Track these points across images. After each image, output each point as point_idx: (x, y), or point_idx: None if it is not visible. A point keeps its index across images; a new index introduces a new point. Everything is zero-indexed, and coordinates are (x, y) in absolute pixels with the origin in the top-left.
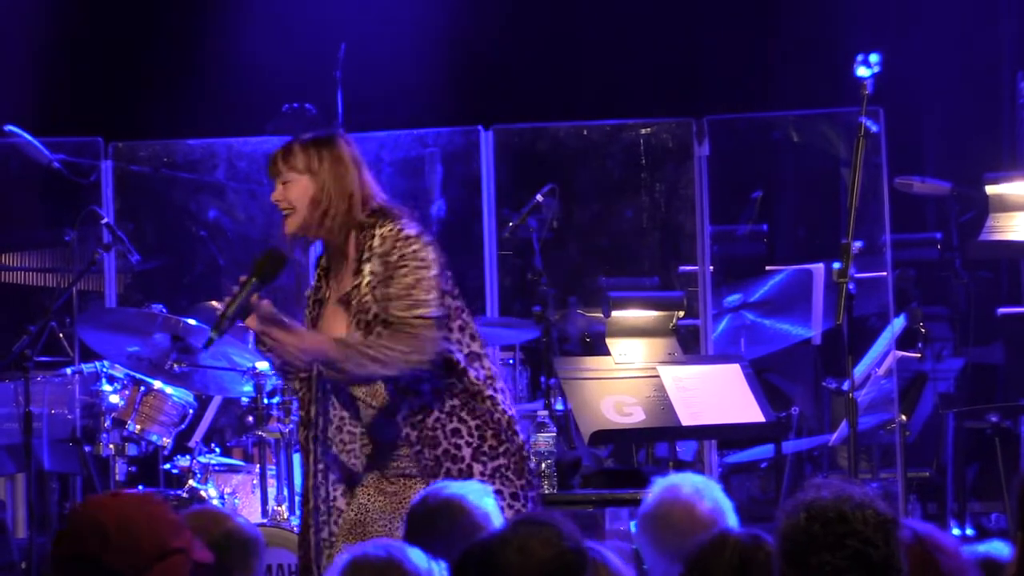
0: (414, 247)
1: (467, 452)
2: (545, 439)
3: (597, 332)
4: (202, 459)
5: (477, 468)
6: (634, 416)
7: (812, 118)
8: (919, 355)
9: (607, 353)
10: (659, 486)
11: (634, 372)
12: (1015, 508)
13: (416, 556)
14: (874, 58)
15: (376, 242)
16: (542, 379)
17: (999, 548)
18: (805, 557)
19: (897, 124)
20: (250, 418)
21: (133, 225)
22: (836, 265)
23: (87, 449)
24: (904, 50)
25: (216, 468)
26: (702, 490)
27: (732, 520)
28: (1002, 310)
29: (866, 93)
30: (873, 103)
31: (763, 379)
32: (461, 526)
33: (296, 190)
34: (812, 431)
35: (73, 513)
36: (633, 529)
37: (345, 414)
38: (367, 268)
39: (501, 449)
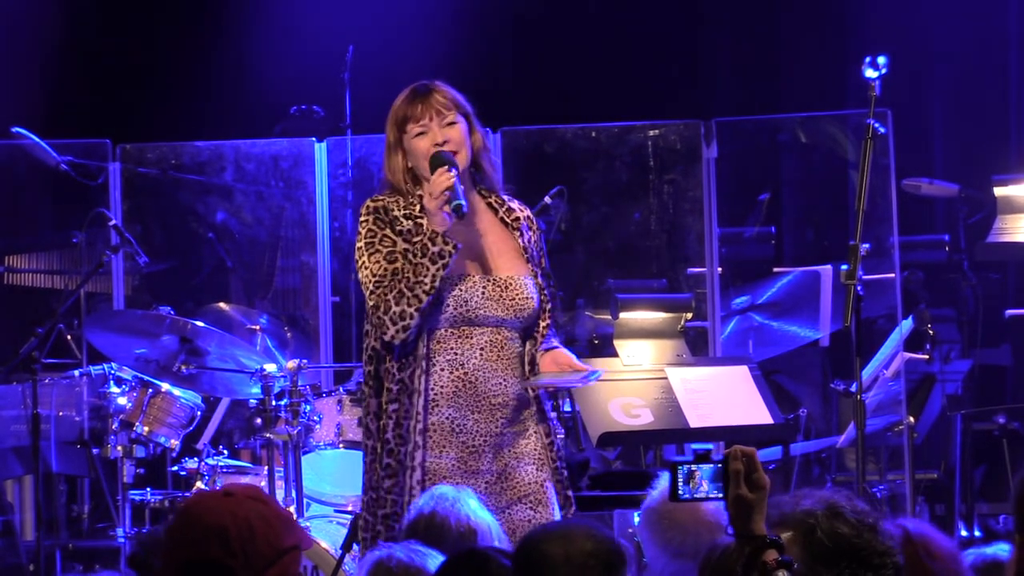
0: None
1: None
2: None
3: (605, 334)
4: (210, 461)
5: None
6: (642, 418)
7: (820, 120)
8: (927, 357)
9: (615, 355)
10: (665, 481)
11: (642, 374)
12: (1014, 510)
13: (439, 563)
14: (882, 60)
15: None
16: None
17: (1006, 551)
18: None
19: (905, 126)
20: (258, 420)
21: (141, 227)
22: (844, 267)
23: (95, 451)
24: (912, 52)
25: (224, 470)
26: None
27: None
28: (1010, 312)
29: (874, 95)
30: (881, 105)
31: (771, 381)
32: (468, 542)
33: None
34: (820, 433)
35: (185, 515)
36: (636, 522)
37: None
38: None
39: None
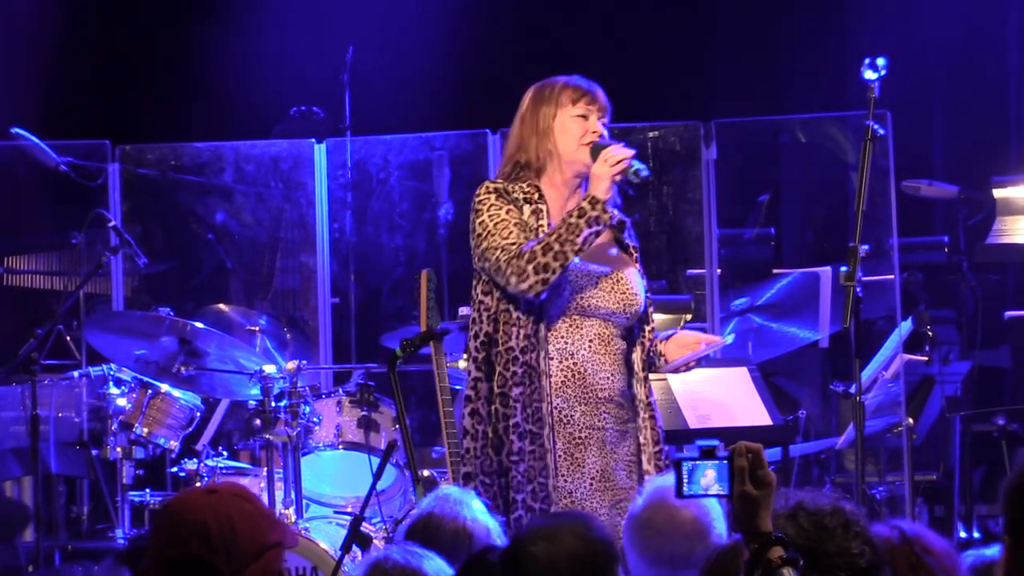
0: None
1: None
2: None
3: None
4: (209, 462)
5: None
6: None
7: (819, 121)
8: (926, 358)
9: None
10: (649, 488)
11: None
12: (1004, 512)
13: (436, 565)
14: (881, 61)
15: None
16: None
17: None
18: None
19: (905, 127)
20: (257, 421)
21: (140, 228)
22: (843, 268)
23: (94, 452)
24: (911, 53)
25: (223, 471)
26: None
27: (720, 525)
28: (1009, 313)
29: (873, 96)
30: (880, 106)
31: (770, 382)
32: (463, 544)
33: None
34: (819, 434)
35: (168, 513)
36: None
37: None
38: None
39: None
